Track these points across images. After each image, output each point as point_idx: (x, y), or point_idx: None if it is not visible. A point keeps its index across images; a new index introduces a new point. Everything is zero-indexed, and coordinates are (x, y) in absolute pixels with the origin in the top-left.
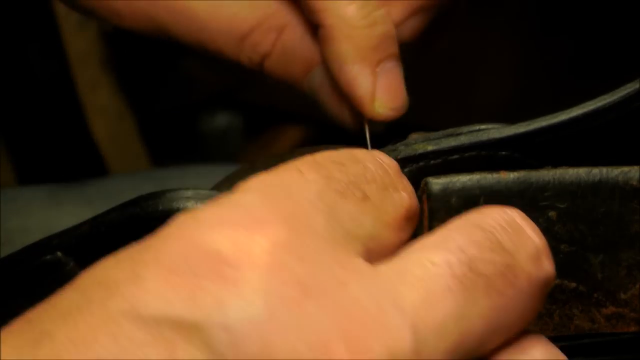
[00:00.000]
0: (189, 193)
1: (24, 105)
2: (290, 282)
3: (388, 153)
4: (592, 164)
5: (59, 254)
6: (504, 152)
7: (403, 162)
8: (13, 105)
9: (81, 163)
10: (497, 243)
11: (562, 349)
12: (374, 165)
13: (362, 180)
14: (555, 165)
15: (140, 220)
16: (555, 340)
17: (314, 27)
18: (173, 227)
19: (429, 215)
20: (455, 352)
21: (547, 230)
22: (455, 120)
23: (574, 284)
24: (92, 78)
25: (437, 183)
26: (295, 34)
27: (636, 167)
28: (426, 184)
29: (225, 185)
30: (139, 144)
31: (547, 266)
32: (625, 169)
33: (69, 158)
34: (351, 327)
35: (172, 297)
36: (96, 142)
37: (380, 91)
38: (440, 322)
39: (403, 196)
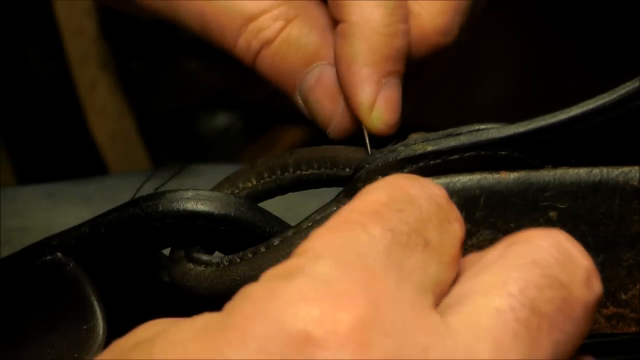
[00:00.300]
0: (189, 194)
1: (24, 105)
2: (379, 358)
3: (387, 153)
4: (592, 162)
5: (58, 254)
6: (503, 152)
7: (402, 163)
8: (13, 106)
9: (81, 163)
10: (554, 279)
11: None
12: (427, 201)
13: (421, 225)
14: (556, 164)
15: (140, 221)
16: None
17: (327, 22)
18: (251, 303)
19: None
20: None
21: None
22: (456, 120)
23: None
24: (92, 78)
25: (437, 183)
26: (304, 26)
27: (636, 168)
28: None
29: (226, 185)
30: (139, 144)
31: (597, 286)
32: (626, 169)
33: (68, 158)
34: None
35: None
36: (96, 142)
37: (380, 102)
38: None
39: (456, 228)
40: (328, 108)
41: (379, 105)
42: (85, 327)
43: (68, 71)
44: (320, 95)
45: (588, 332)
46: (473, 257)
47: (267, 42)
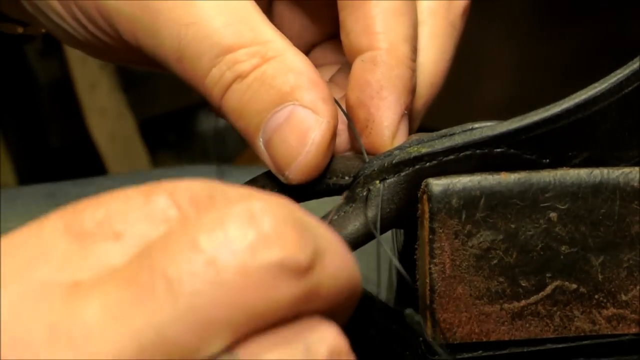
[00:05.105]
0: None
1: (24, 105)
2: None
3: (383, 158)
4: (589, 153)
5: None
6: (499, 149)
7: (399, 167)
8: (13, 106)
9: (80, 164)
10: None
11: (563, 351)
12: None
13: None
14: (553, 157)
15: None
16: (556, 341)
17: (305, 67)
18: None
19: (430, 216)
20: None
21: (547, 231)
22: (456, 120)
23: (574, 286)
24: (92, 78)
25: (437, 184)
26: (280, 67)
27: (637, 169)
28: (427, 185)
29: None
30: (138, 144)
31: None
32: (626, 170)
33: (68, 159)
34: None
35: None
36: (95, 142)
37: (400, 132)
38: None
39: None
40: (294, 146)
41: (399, 135)
42: None
43: (68, 71)
44: (288, 134)
45: None
46: None
47: (241, 76)
